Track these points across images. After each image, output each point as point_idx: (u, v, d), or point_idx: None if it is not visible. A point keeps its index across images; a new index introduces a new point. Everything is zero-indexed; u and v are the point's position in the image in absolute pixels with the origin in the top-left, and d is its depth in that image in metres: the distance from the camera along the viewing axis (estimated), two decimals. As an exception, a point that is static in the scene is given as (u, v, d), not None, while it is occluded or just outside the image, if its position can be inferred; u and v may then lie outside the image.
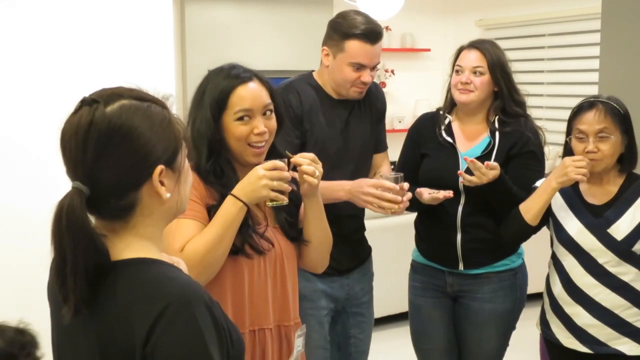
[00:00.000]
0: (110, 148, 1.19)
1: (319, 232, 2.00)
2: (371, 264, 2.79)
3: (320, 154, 2.41)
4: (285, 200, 1.82)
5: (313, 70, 2.67)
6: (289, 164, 1.87)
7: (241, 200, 1.77)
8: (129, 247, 1.24)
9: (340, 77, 2.51)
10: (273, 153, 1.95)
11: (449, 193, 2.50)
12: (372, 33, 2.48)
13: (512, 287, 2.65)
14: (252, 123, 1.87)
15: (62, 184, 1.23)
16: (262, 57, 7.25)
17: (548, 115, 6.08)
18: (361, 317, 2.72)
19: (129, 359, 1.16)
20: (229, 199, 1.78)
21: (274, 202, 1.82)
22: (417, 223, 2.80)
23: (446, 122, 2.68)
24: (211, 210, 1.84)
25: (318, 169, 1.88)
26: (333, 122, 2.57)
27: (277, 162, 1.80)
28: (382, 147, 2.79)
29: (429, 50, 7.13)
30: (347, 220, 2.63)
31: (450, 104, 2.70)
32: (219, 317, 1.21)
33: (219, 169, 1.88)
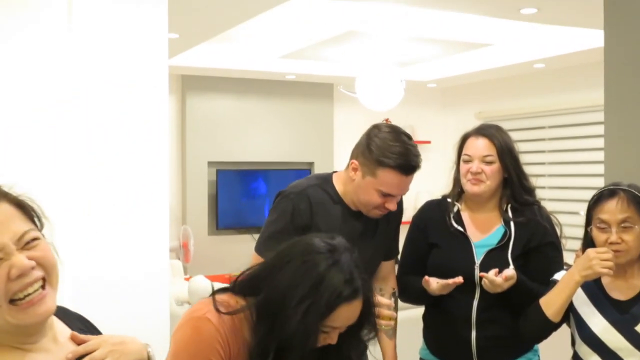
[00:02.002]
0: None
1: None
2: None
3: None
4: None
5: (334, 172, 2.53)
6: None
7: None
8: None
9: (364, 198, 2.37)
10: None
11: (459, 279, 2.37)
12: (410, 166, 2.31)
13: None
14: (330, 335, 1.65)
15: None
16: (262, 147, 7.27)
17: (551, 207, 6.00)
18: None
19: None
20: None
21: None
22: (426, 317, 2.65)
23: (455, 210, 2.57)
24: None
25: (393, 315, 1.82)
26: (346, 235, 2.44)
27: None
28: (393, 254, 2.65)
29: (429, 142, 7.14)
30: None
31: (459, 193, 2.60)
32: None
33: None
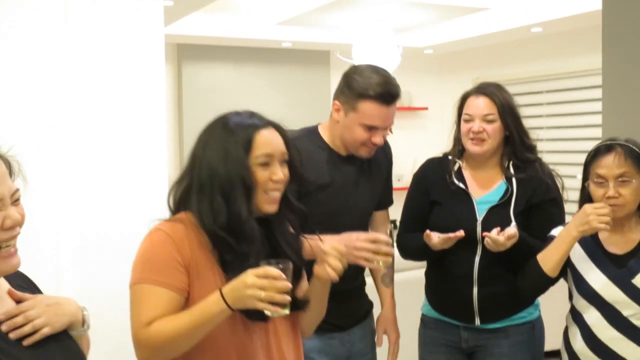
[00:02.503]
0: None
1: (318, 308, 1.90)
2: (372, 320, 2.66)
3: (323, 212, 2.32)
4: (279, 312, 1.60)
5: (318, 124, 2.55)
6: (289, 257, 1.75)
7: (226, 303, 1.60)
8: None
9: (350, 136, 2.39)
10: (291, 209, 1.85)
11: (460, 233, 2.38)
12: (389, 95, 2.33)
13: (530, 341, 2.53)
14: (270, 169, 1.77)
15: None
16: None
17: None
18: None
19: None
20: (215, 295, 1.61)
21: (268, 313, 1.60)
22: (428, 275, 2.68)
23: (456, 167, 2.58)
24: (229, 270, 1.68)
25: (343, 264, 1.77)
26: (339, 180, 2.45)
27: (270, 271, 1.58)
28: (386, 203, 2.67)
29: (426, 108, 7.13)
30: (349, 274, 2.51)
31: (460, 152, 2.60)
32: None
33: (237, 216, 1.71)
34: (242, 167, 1.72)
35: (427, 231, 2.44)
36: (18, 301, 1.37)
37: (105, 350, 2.49)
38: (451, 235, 2.38)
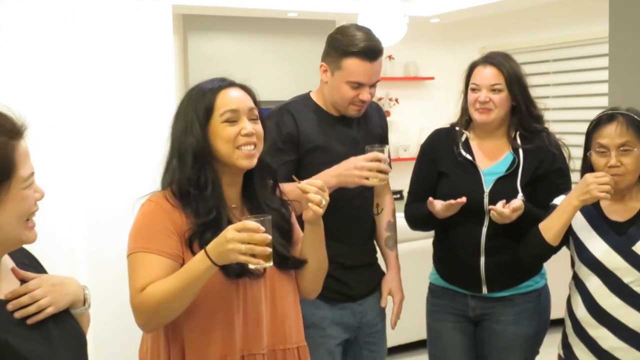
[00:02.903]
0: None
1: (316, 258, 1.94)
2: None
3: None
4: (262, 264, 1.64)
5: (310, 91, 2.60)
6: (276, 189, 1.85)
7: (211, 259, 1.65)
8: None
9: (338, 95, 2.44)
10: (263, 165, 1.90)
11: (463, 199, 2.41)
12: (371, 51, 2.39)
13: (536, 309, 2.57)
14: (239, 124, 1.82)
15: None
16: (265, 86, 7.20)
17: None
18: (374, 347, 2.62)
19: None
20: (200, 255, 1.67)
21: (252, 266, 1.66)
22: (436, 244, 2.71)
23: (463, 138, 2.59)
24: (194, 237, 1.76)
25: (325, 197, 1.80)
26: (337, 140, 2.49)
27: (248, 224, 1.62)
28: None
29: (432, 78, 7.12)
30: (359, 245, 2.55)
31: (467, 122, 2.62)
32: None
33: (204, 179, 1.80)
34: (197, 134, 1.80)
35: (430, 199, 2.46)
36: (21, 280, 1.41)
37: (119, 322, 2.56)
38: (452, 201, 2.41)
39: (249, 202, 1.89)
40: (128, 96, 2.88)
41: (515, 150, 2.53)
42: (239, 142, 1.81)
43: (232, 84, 1.88)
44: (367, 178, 2.25)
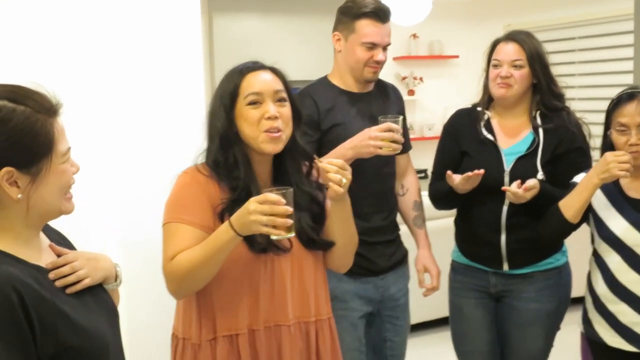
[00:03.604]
0: None
1: (344, 234, 1.98)
2: (407, 266, 2.76)
3: None
4: (283, 235, 1.70)
5: (326, 75, 2.69)
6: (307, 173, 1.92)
7: (234, 230, 1.72)
8: None
9: (353, 59, 2.55)
10: (296, 148, 1.94)
11: (481, 171, 2.45)
12: (381, 11, 2.53)
13: (557, 286, 2.61)
14: (263, 107, 1.86)
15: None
16: (289, 66, 7.23)
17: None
18: (396, 321, 2.69)
19: None
20: (225, 225, 1.75)
21: (274, 237, 1.73)
22: (458, 222, 2.76)
23: (485, 118, 2.63)
24: (224, 211, 1.83)
25: (346, 176, 1.83)
26: (356, 117, 2.56)
27: (269, 196, 1.67)
28: (406, 147, 2.75)
29: (457, 56, 7.09)
30: (380, 220, 2.61)
31: (488, 101, 2.65)
32: (32, 309, 1.26)
33: (232, 160, 1.87)
34: (223, 117, 1.87)
35: (449, 172, 2.51)
36: (58, 255, 1.48)
37: (151, 296, 2.63)
38: (470, 173, 2.44)
39: (280, 183, 1.91)
40: (157, 82, 2.91)
41: (535, 130, 2.56)
42: (263, 125, 1.85)
43: (261, 66, 1.92)
44: (380, 148, 2.32)
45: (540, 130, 2.55)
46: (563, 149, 2.53)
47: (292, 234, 1.74)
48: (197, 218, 1.83)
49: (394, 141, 2.33)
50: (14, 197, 1.33)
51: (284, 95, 1.90)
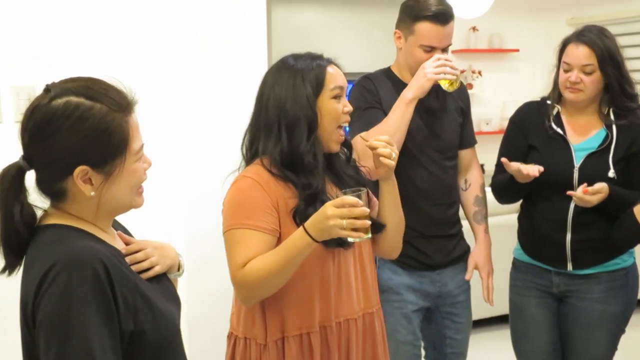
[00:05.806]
0: (39, 139, 1.32)
1: (394, 215, 1.97)
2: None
3: (409, 144, 2.42)
4: (362, 237, 1.69)
5: (390, 65, 2.68)
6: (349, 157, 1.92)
7: (311, 236, 1.70)
8: (56, 219, 1.37)
9: (412, 60, 2.53)
10: (345, 140, 1.94)
11: (540, 168, 2.38)
12: (442, 14, 2.47)
13: (623, 287, 2.53)
14: (341, 102, 1.88)
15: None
16: (346, 58, 7.21)
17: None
18: (456, 317, 2.64)
19: (26, 315, 1.30)
20: (299, 231, 1.73)
21: (352, 239, 1.71)
22: (522, 219, 2.70)
23: (554, 112, 2.56)
24: (296, 213, 1.81)
25: (394, 150, 1.83)
26: (418, 110, 2.50)
27: (347, 199, 1.67)
28: (469, 142, 2.71)
29: (517, 50, 6.95)
30: (438, 213, 2.56)
31: (559, 95, 2.58)
32: (116, 284, 1.29)
33: (312, 155, 1.83)
34: (308, 106, 1.83)
35: (503, 159, 2.46)
36: (127, 244, 1.50)
37: (209, 291, 2.65)
38: (530, 172, 2.38)
39: (329, 172, 1.93)
40: (220, 74, 2.92)
41: (608, 127, 2.48)
42: (341, 119, 1.87)
43: (331, 61, 1.92)
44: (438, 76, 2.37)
45: (614, 127, 2.47)
46: (637, 147, 2.45)
47: (369, 235, 1.72)
48: (263, 222, 1.80)
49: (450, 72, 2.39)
50: (87, 194, 1.35)
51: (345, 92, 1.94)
